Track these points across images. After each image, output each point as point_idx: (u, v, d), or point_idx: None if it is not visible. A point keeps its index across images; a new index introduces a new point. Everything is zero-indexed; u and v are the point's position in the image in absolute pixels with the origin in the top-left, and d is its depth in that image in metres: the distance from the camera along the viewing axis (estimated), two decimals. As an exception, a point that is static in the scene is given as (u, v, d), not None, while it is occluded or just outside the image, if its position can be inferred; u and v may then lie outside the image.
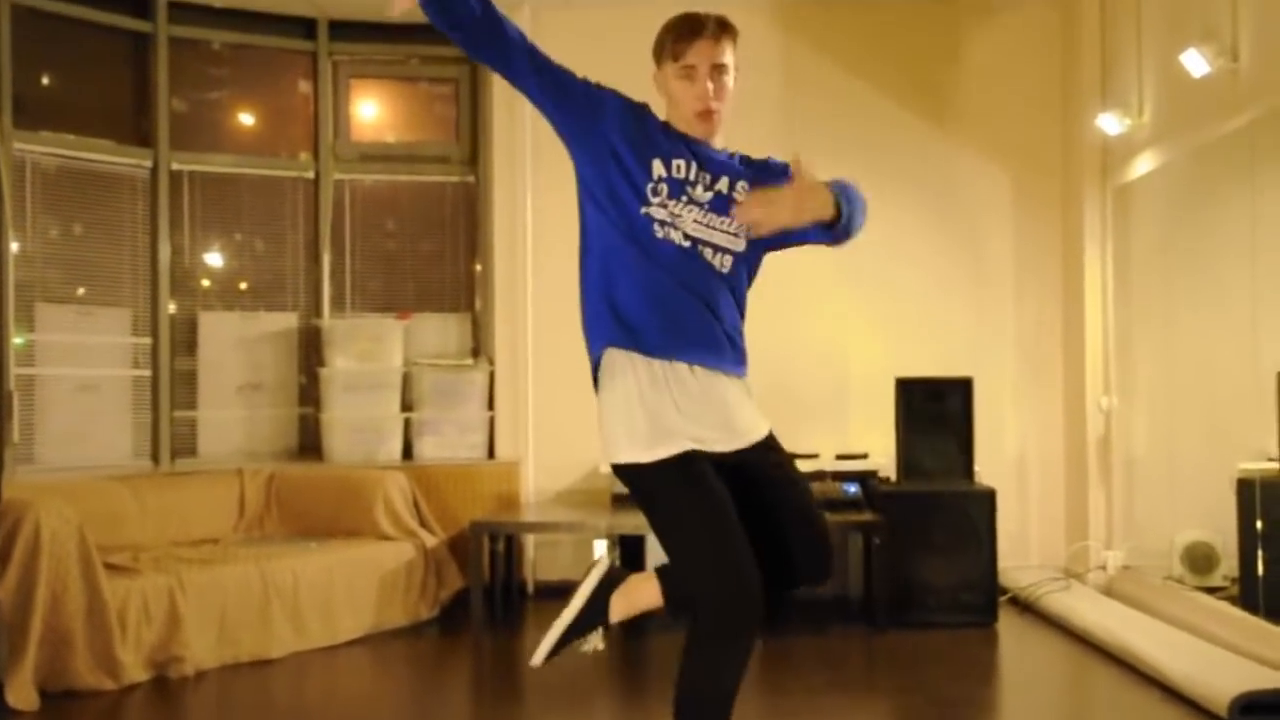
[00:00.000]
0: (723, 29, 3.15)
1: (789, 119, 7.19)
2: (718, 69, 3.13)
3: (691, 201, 3.08)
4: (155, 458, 7.23)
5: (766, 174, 3.19)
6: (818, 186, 2.92)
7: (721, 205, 3.10)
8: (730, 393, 3.09)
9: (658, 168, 3.08)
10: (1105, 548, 6.89)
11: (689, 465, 2.94)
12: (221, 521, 6.81)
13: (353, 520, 6.75)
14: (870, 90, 7.38)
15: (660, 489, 2.96)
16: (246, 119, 7.86)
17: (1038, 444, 7.39)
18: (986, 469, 6.79)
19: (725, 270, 3.10)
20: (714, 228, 3.09)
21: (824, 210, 2.90)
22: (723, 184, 3.12)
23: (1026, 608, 6.59)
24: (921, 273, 7.39)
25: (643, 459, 2.95)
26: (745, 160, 3.24)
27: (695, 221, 3.07)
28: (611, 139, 3.07)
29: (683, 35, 3.13)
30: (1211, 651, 5.15)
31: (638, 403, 2.98)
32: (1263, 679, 4.62)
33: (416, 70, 7.90)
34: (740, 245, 3.13)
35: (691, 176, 3.10)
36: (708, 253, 3.08)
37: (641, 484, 2.99)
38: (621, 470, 3.03)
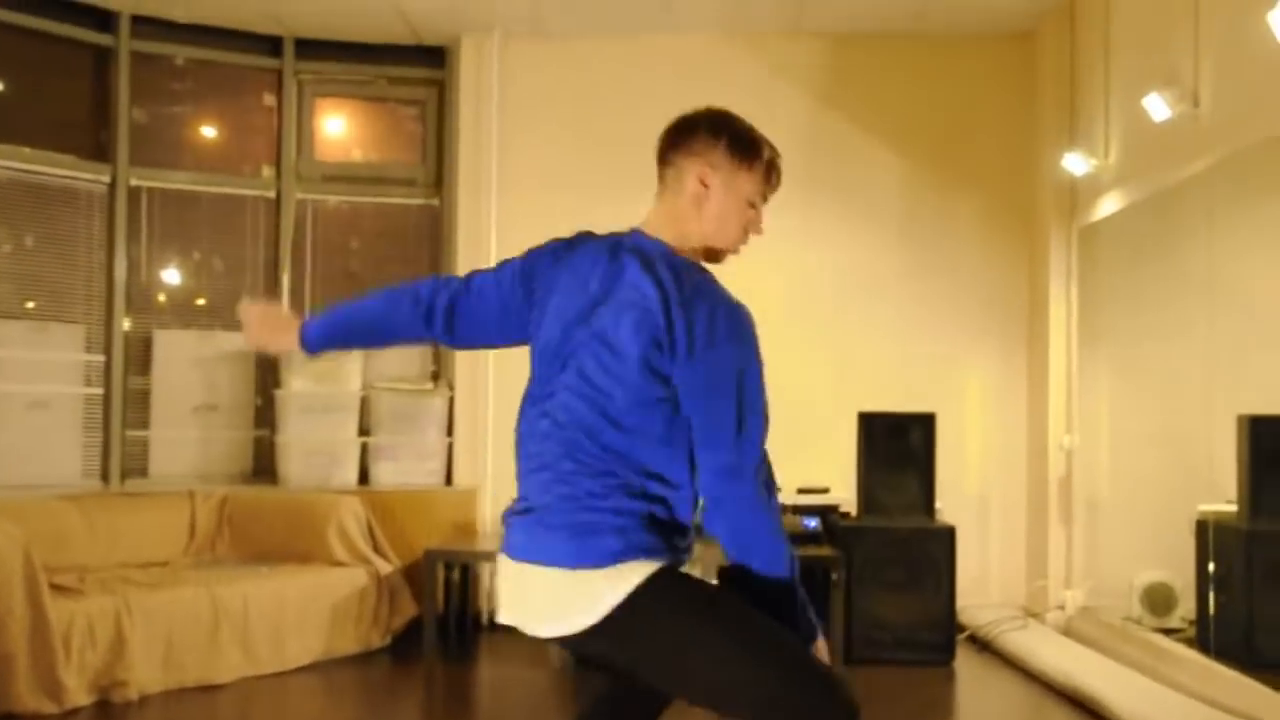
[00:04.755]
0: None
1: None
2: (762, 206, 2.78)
3: None
4: (105, 477, 7.11)
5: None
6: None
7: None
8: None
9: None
10: (1065, 587, 6.87)
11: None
12: (172, 544, 6.70)
13: (306, 545, 6.65)
14: (839, 123, 7.37)
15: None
16: (208, 135, 7.77)
17: (1000, 481, 7.37)
18: (948, 506, 6.77)
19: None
20: None
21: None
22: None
23: (985, 646, 6.55)
24: (886, 306, 7.37)
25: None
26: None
27: None
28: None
29: (777, 169, 2.75)
30: (1166, 695, 5.13)
31: None
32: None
33: (384, 91, 7.84)
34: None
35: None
36: None
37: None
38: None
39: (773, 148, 2.74)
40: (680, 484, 2.56)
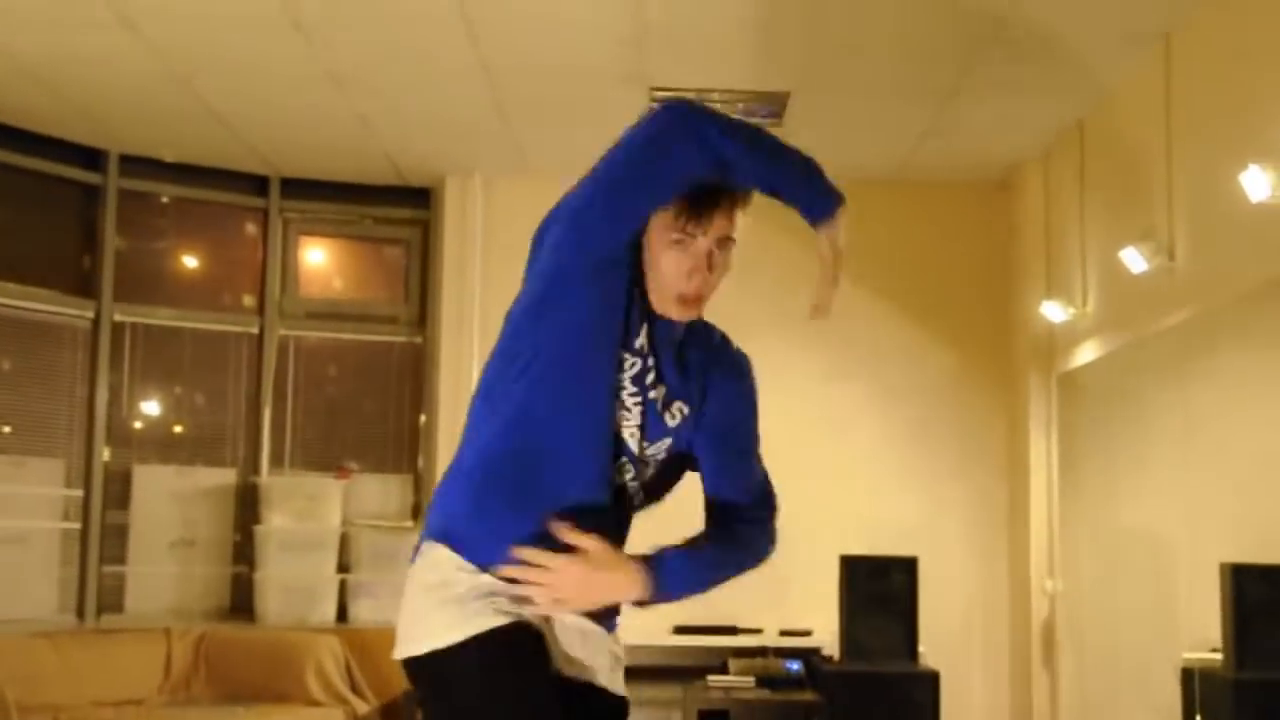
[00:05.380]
0: (747, 194, 2.48)
1: (736, 291, 7.22)
2: (722, 243, 2.45)
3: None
4: (81, 613, 7.02)
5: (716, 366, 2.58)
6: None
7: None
8: None
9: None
10: (1049, 733, 6.83)
11: None
12: (147, 682, 6.62)
13: (283, 684, 6.57)
14: (815, 267, 7.45)
15: None
16: (191, 271, 7.83)
17: (983, 625, 7.34)
18: (931, 649, 6.72)
19: None
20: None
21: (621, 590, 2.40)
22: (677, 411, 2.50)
23: (968, 793, 6.48)
24: (865, 449, 7.39)
25: None
26: (704, 343, 2.57)
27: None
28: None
29: (700, 198, 2.39)
30: None
31: None
32: None
33: (369, 230, 7.92)
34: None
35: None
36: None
37: None
38: None
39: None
40: None
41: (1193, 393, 5.64)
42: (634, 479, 2.45)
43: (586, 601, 2.36)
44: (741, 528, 2.57)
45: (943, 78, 5.94)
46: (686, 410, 2.49)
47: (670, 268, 2.39)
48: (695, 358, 2.52)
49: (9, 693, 5.14)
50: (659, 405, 2.44)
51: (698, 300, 2.45)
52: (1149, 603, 6.25)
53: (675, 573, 2.38)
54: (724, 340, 2.64)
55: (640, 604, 2.39)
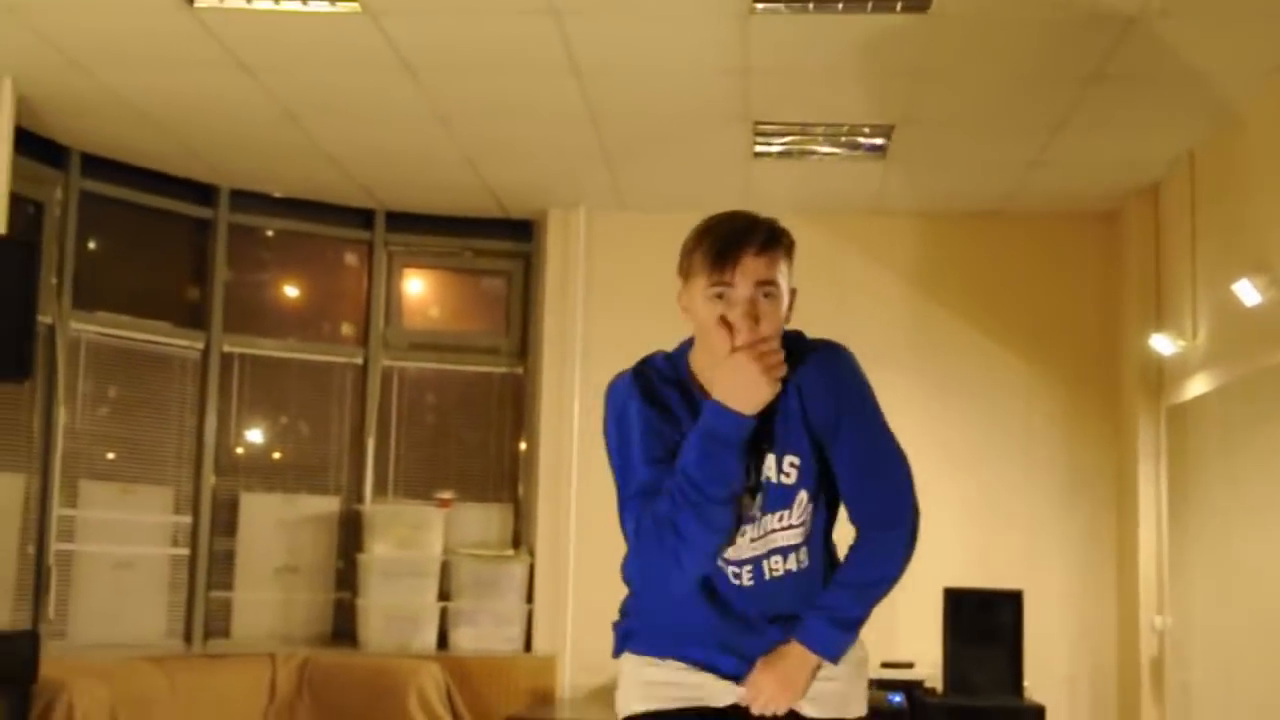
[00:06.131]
0: (775, 237, 2.42)
1: (841, 327, 7.20)
2: (763, 285, 2.37)
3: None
4: (188, 638, 7.14)
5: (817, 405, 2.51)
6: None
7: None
8: None
9: None
10: (1157, 772, 6.70)
11: None
12: (252, 707, 6.69)
13: (386, 711, 6.62)
14: (924, 300, 7.41)
15: None
16: (297, 303, 7.95)
17: (1089, 661, 7.23)
18: (1036, 685, 6.63)
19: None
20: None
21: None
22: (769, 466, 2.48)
23: (1075, 833, 6.38)
24: (972, 482, 7.32)
25: None
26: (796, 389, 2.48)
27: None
28: None
29: (722, 243, 2.38)
30: None
31: None
32: None
33: (470, 262, 8.00)
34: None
35: None
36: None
37: None
38: None
39: (714, 226, 2.44)
40: None
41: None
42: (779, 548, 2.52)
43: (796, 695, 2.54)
44: (874, 535, 2.55)
45: (1051, 109, 5.88)
46: (798, 460, 2.48)
47: (718, 328, 2.36)
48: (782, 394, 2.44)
49: (121, 715, 5.23)
50: (771, 475, 2.48)
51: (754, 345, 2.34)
52: (1262, 640, 6.11)
53: (821, 632, 2.51)
54: (805, 350, 2.53)
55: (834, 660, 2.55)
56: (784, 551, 2.51)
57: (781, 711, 2.53)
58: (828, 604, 2.51)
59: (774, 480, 2.46)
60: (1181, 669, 6.72)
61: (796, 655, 2.51)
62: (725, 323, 2.35)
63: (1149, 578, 6.87)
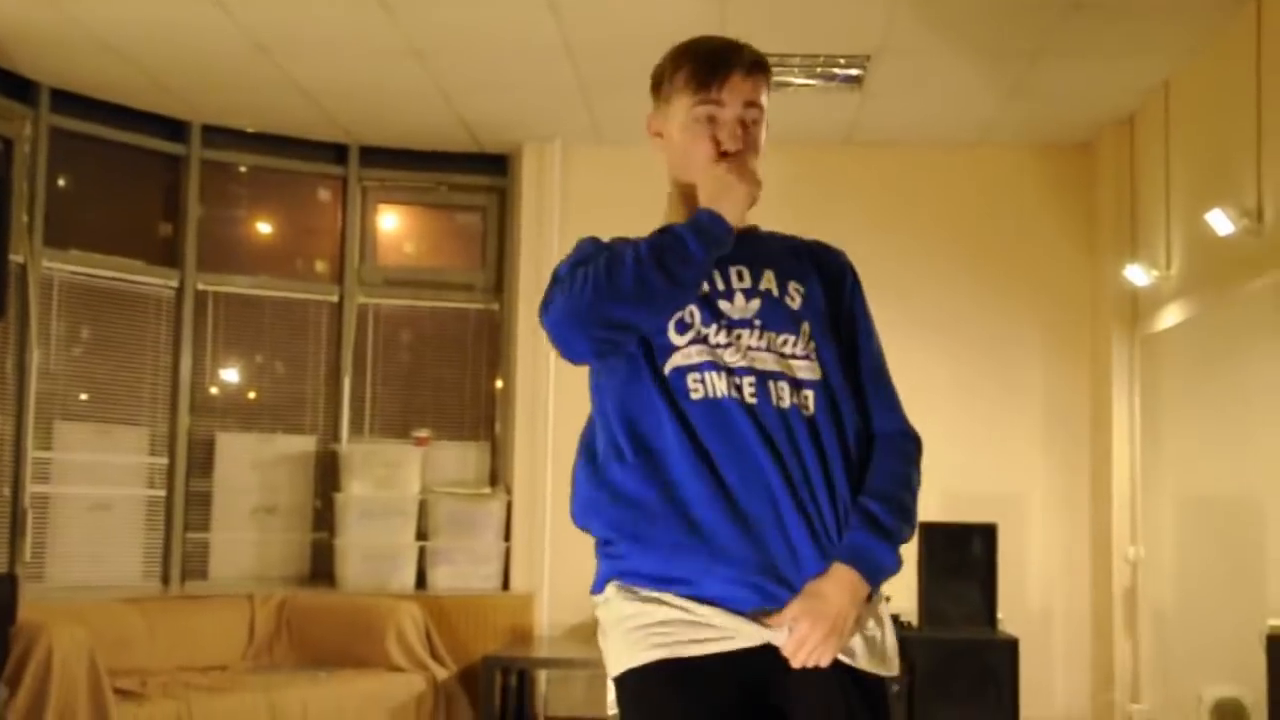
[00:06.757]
0: (760, 63, 2.32)
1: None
2: (750, 108, 2.30)
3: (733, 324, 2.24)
4: (165, 579, 7.13)
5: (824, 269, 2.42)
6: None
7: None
8: None
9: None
10: (1131, 701, 6.77)
11: None
12: (231, 647, 6.72)
13: (364, 650, 6.65)
14: (898, 232, 7.39)
15: None
16: (271, 240, 7.90)
17: (1063, 593, 7.29)
18: (1010, 617, 6.68)
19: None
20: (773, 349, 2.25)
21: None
22: (769, 280, 2.31)
23: (1049, 761, 6.46)
24: (946, 415, 7.32)
25: None
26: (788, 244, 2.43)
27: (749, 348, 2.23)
28: None
29: (710, 63, 2.29)
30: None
31: None
32: None
33: (445, 197, 7.95)
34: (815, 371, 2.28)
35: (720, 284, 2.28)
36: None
37: None
38: None
39: (697, 47, 2.35)
40: None
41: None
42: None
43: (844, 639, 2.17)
44: (894, 441, 2.35)
45: (1028, 38, 5.86)
46: (803, 289, 2.32)
47: (703, 145, 2.28)
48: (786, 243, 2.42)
49: (99, 657, 5.23)
50: (771, 288, 2.30)
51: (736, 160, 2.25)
52: (1235, 568, 6.17)
53: (867, 546, 2.19)
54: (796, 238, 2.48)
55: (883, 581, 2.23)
56: (795, 383, 2.22)
57: (825, 661, 2.15)
58: (869, 511, 2.22)
59: (774, 294, 2.28)
60: (1154, 597, 6.79)
61: (844, 582, 2.15)
62: (712, 137, 2.27)
63: (1122, 509, 6.91)
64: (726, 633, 2.14)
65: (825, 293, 2.34)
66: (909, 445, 2.36)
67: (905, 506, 2.29)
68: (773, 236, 2.44)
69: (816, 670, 2.15)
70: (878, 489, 2.25)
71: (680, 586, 2.16)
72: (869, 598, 2.21)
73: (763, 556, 2.15)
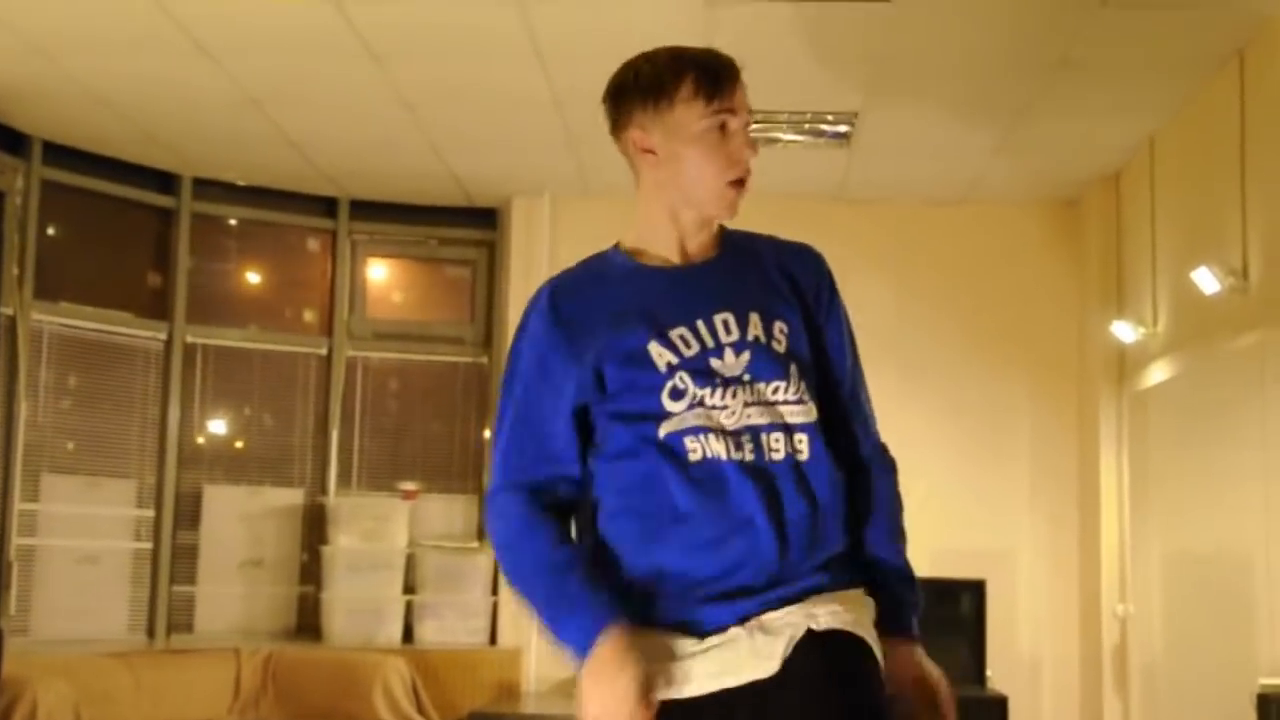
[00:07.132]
0: (740, 74, 2.28)
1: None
2: (748, 123, 2.26)
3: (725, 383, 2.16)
4: (151, 633, 7.09)
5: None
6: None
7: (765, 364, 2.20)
8: None
9: (656, 351, 2.19)
10: (1121, 758, 6.74)
11: None
12: (217, 702, 6.66)
13: (351, 705, 6.60)
14: (887, 288, 7.41)
15: None
16: (261, 293, 7.91)
17: (1052, 650, 7.26)
18: (998, 674, 6.66)
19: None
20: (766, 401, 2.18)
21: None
22: (755, 325, 2.22)
23: (1039, 819, 6.41)
24: (933, 471, 7.32)
25: None
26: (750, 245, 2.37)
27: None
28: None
29: (714, 70, 2.22)
30: None
31: None
32: None
33: (435, 251, 7.98)
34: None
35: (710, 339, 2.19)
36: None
37: None
38: None
39: (690, 55, 2.27)
40: None
41: (1271, 414, 5.56)
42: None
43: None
44: (884, 471, 2.40)
45: (1015, 95, 5.90)
46: (786, 329, 2.24)
47: (716, 157, 2.20)
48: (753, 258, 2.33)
49: (84, 712, 5.19)
50: (759, 335, 2.21)
51: (744, 184, 2.23)
52: (1224, 626, 6.16)
53: (909, 605, 2.39)
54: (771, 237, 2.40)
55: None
56: (787, 429, 2.17)
57: None
58: (891, 559, 2.36)
59: (762, 340, 2.19)
60: (1144, 656, 6.76)
61: (923, 657, 2.35)
62: (725, 154, 2.20)
63: (1111, 565, 6.90)
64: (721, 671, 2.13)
65: (805, 320, 2.29)
66: (892, 473, 2.39)
67: (905, 539, 2.40)
68: (749, 252, 2.34)
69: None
70: (896, 553, 2.40)
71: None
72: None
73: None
